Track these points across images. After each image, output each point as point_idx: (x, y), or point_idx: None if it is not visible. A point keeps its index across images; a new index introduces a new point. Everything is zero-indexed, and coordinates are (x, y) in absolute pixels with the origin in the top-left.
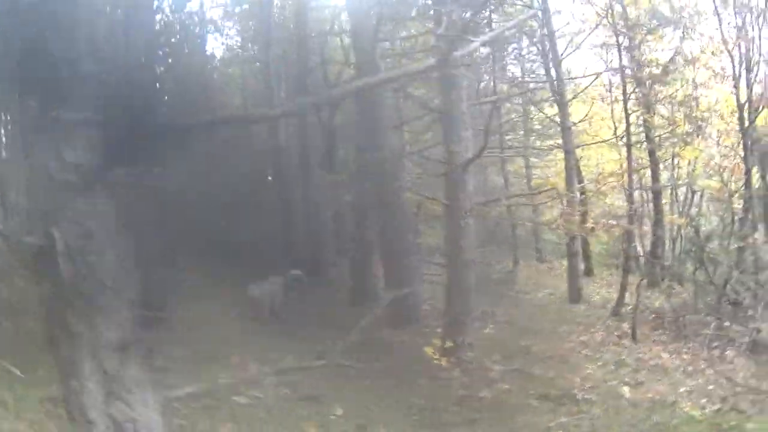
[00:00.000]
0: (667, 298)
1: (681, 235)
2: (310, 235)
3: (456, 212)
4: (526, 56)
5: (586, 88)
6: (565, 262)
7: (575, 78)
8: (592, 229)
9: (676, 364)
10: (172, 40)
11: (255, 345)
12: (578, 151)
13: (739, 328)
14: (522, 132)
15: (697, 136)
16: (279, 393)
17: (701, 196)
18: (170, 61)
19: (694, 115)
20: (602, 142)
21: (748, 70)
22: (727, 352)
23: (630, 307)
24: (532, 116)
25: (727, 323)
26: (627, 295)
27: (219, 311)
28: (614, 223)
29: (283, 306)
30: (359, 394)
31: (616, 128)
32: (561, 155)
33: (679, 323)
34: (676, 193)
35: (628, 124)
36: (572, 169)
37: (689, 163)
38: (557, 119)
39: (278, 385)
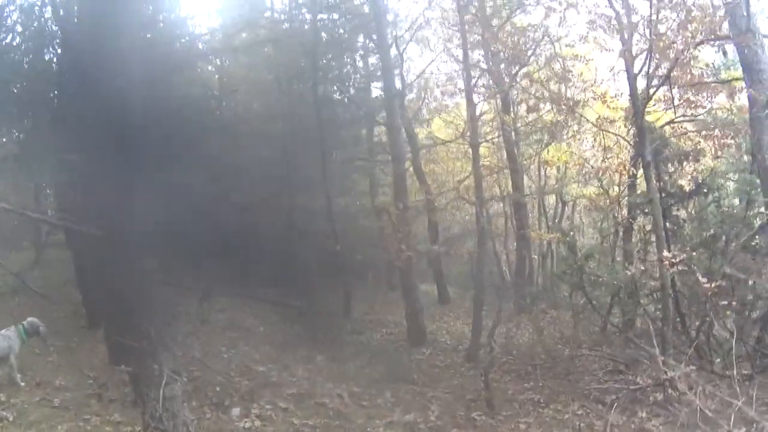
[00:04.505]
0: (539, 333)
1: (552, 253)
2: None
3: None
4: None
5: (417, 77)
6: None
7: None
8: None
9: None
10: None
11: None
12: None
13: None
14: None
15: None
16: None
17: (573, 206)
18: None
19: (564, 96)
20: (444, 143)
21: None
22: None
23: (491, 349)
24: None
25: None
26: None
27: None
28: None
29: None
30: None
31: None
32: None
33: (558, 371)
34: (544, 205)
35: (474, 117)
36: (402, 179)
37: (558, 169)
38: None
39: None
